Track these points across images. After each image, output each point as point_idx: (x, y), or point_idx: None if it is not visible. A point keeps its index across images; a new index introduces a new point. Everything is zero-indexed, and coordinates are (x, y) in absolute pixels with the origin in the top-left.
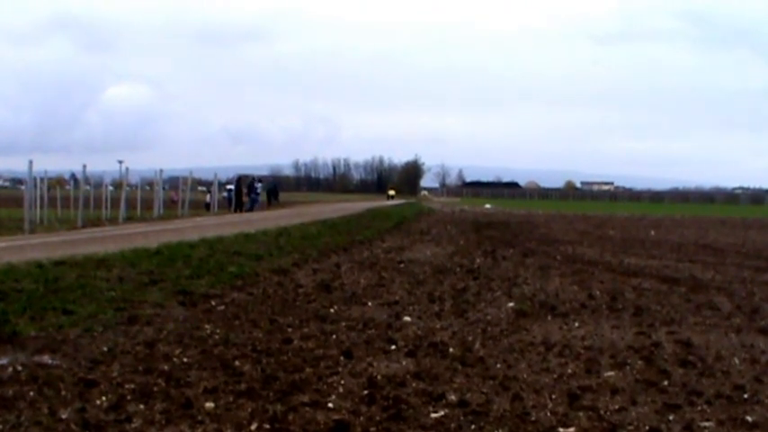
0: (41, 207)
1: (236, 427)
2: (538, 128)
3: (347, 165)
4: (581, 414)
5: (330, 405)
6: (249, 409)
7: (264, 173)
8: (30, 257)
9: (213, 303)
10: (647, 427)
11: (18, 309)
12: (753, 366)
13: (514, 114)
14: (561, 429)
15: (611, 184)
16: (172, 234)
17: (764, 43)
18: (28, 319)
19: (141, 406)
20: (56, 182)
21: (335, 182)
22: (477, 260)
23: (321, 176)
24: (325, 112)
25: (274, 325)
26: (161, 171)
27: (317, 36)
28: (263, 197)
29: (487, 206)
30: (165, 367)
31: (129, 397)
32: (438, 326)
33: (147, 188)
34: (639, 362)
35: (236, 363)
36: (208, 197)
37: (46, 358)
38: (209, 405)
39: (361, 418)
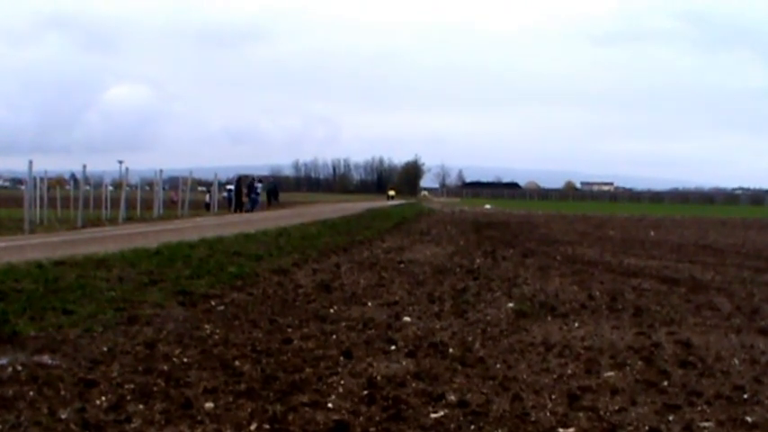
0: (41, 207)
1: (235, 428)
2: (538, 128)
3: (347, 165)
4: (581, 414)
5: (330, 405)
6: (249, 410)
7: (264, 173)
8: (29, 257)
9: (213, 303)
10: (646, 428)
11: (18, 309)
12: (752, 367)
13: (514, 114)
14: (561, 430)
15: (611, 184)
16: (172, 234)
17: (764, 43)
18: (28, 319)
19: (141, 406)
20: (56, 182)
21: (335, 182)
22: (477, 260)
23: (321, 177)
24: (325, 112)
25: (274, 325)
26: (161, 171)
27: (317, 36)
28: (263, 197)
29: (487, 206)
30: (165, 367)
31: (128, 397)
32: (438, 326)
33: (147, 188)
34: (639, 362)
35: (236, 363)
36: (207, 197)
37: (46, 358)
38: (209, 405)
39: (361, 419)
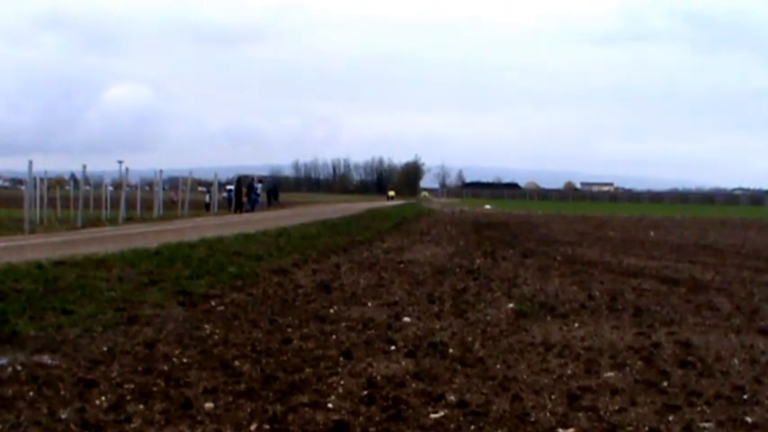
0: (41, 207)
1: (235, 428)
2: (538, 128)
3: (347, 165)
4: (581, 415)
5: (330, 405)
6: (249, 410)
7: (264, 173)
8: (29, 257)
9: (213, 304)
10: (646, 428)
11: (18, 309)
12: (752, 367)
13: (514, 115)
14: (561, 430)
15: (611, 184)
16: (171, 234)
17: (764, 44)
18: (27, 319)
19: (141, 406)
20: (56, 182)
21: (335, 182)
22: (477, 261)
23: (321, 177)
24: (325, 112)
25: (274, 325)
26: (161, 171)
27: (318, 36)
28: (263, 197)
29: (487, 207)
30: (165, 367)
31: (128, 397)
32: (438, 326)
33: (147, 188)
34: (639, 362)
35: (236, 363)
36: (207, 197)
37: (45, 358)
38: (209, 405)
39: (361, 419)
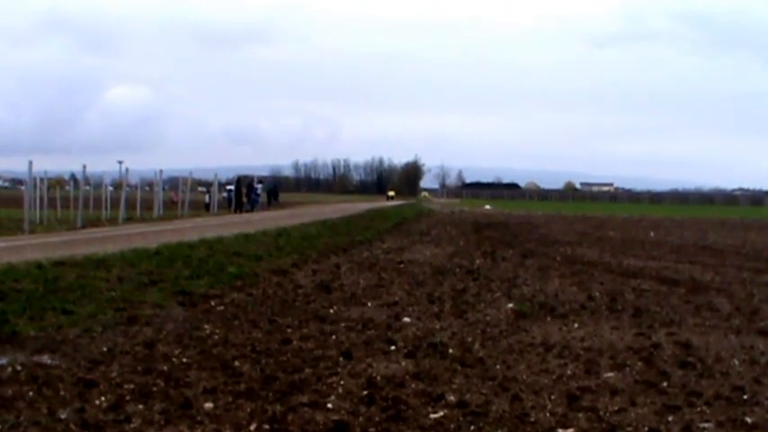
0: (41, 207)
1: (235, 428)
2: (538, 129)
3: (347, 165)
4: (580, 415)
5: (329, 405)
6: (248, 410)
7: (264, 173)
8: (29, 258)
9: (213, 304)
10: (646, 428)
11: (17, 309)
12: (752, 367)
13: (514, 115)
14: (560, 430)
15: (611, 185)
16: (171, 234)
17: (764, 44)
18: (27, 319)
19: (140, 406)
20: (56, 182)
21: (335, 183)
22: (477, 261)
23: (321, 177)
24: (325, 113)
25: (274, 325)
26: (161, 171)
27: (318, 36)
28: (263, 198)
29: (487, 207)
30: (165, 367)
31: (128, 397)
32: (437, 326)
33: (147, 189)
34: (639, 363)
35: (236, 363)
36: (207, 198)
37: (45, 358)
38: (209, 405)
39: (361, 419)
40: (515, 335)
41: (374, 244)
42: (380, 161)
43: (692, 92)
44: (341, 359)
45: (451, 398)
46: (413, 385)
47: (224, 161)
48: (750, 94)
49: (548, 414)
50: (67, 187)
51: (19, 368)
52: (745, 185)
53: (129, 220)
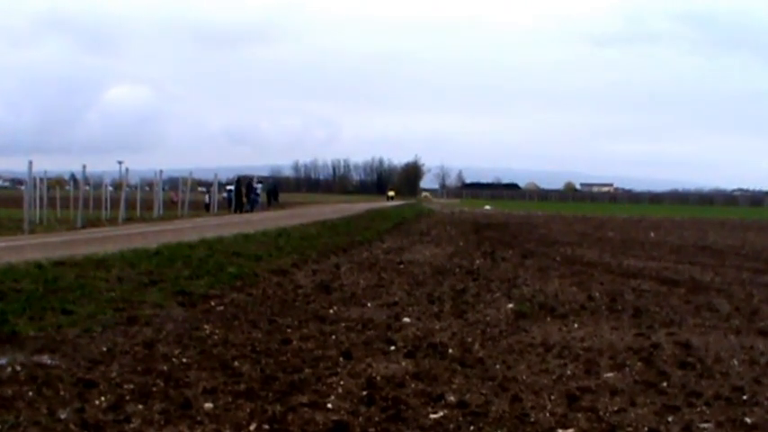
0: (41, 207)
1: (235, 428)
2: (538, 129)
3: (347, 166)
4: (580, 415)
5: (329, 406)
6: (248, 410)
7: (264, 173)
8: (29, 258)
9: (212, 304)
10: (646, 429)
11: (17, 309)
12: (752, 368)
13: (514, 115)
14: (560, 430)
15: (611, 185)
16: (171, 234)
17: (764, 45)
18: (27, 319)
19: (140, 406)
20: (55, 182)
21: (335, 183)
22: (477, 261)
23: (321, 177)
24: (325, 113)
25: (273, 325)
26: (161, 172)
27: (318, 36)
28: (262, 198)
29: (487, 207)
30: (164, 368)
31: (128, 397)
32: (437, 327)
33: (147, 189)
34: (639, 363)
35: (236, 363)
36: (207, 198)
37: (45, 358)
38: (209, 405)
39: (360, 419)
40: (515, 335)
41: (374, 244)
42: (380, 161)
43: (692, 92)
44: (341, 359)
45: (451, 398)
46: (413, 385)
47: (224, 161)
48: (750, 94)
49: (548, 414)
50: (67, 187)
51: (19, 368)
52: (745, 186)
53: (129, 220)
